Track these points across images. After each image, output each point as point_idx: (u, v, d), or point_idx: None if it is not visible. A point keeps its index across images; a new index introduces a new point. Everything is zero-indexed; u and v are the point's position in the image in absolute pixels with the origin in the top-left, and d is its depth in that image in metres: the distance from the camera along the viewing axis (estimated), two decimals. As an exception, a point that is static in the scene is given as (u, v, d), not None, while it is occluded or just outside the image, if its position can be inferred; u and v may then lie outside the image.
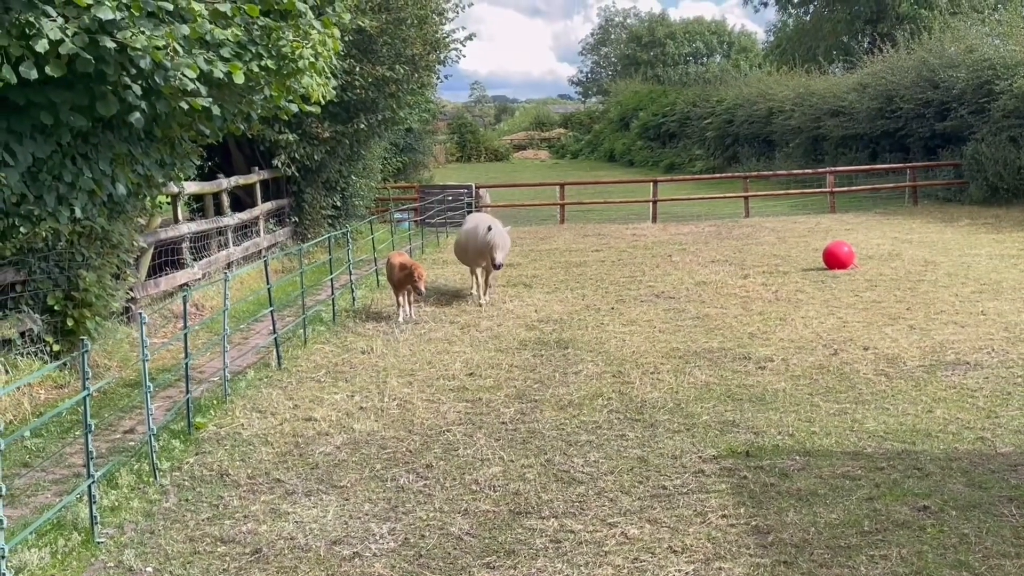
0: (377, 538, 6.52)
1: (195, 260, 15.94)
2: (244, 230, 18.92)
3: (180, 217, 15.71)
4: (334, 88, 12.06)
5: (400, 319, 13.98)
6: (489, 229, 14.80)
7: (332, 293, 14.59)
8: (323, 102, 10.86)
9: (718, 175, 36.39)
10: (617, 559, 6.00)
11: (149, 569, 6.16)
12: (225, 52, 9.16)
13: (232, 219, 17.89)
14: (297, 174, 20.81)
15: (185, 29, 8.38)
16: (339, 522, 6.82)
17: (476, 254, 15.25)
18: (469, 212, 28.05)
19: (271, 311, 11.72)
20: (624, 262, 19.50)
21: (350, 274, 15.99)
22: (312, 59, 9.90)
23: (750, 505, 6.77)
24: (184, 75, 8.42)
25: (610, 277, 17.52)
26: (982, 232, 21.91)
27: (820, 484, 7.10)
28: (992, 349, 11.02)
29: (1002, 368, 10.20)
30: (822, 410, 9.00)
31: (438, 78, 23.08)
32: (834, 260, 17.46)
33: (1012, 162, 26.04)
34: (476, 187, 29.29)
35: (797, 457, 7.71)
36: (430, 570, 6.02)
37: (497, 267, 14.82)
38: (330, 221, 22.67)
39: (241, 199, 19.55)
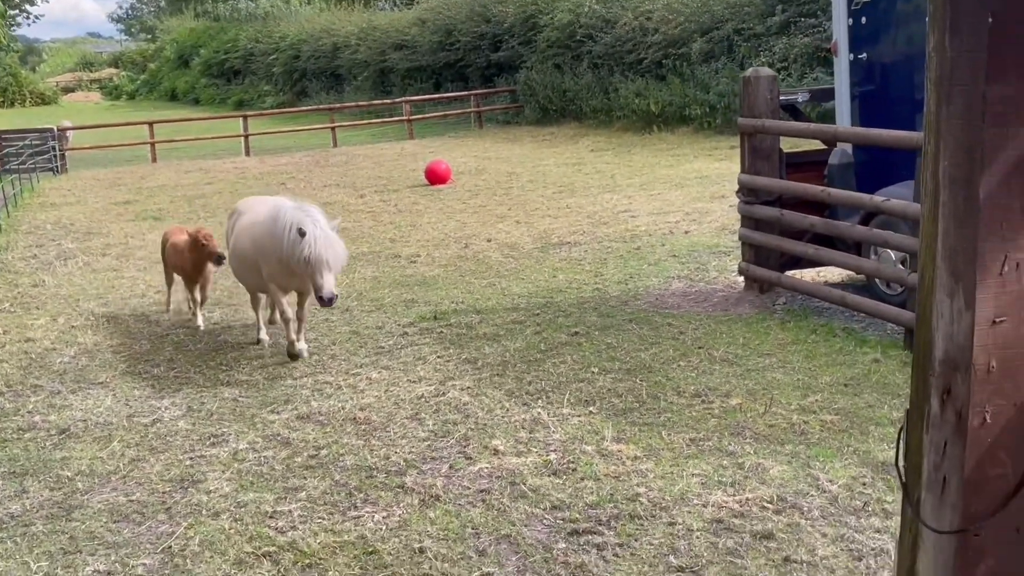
0: (164, 409, 7.72)
1: None
2: None
3: None
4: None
5: (174, 313, 10.81)
6: (302, 234, 7.98)
7: (-27, 236, 14.54)
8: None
9: (305, 108, 37.81)
10: (374, 391, 7.79)
11: (-30, 458, 6.96)
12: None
13: None
14: None
15: None
16: (120, 405, 7.90)
17: (280, 273, 8.49)
18: (54, 154, 27.33)
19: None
20: (242, 192, 20.56)
21: (-21, 218, 15.82)
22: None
23: (455, 347, 8.83)
24: None
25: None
26: (544, 147, 25.62)
27: (499, 329, 9.32)
28: (583, 231, 13.95)
29: (595, 243, 13.10)
30: (476, 285, 11.26)
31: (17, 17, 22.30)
32: (435, 176, 19.91)
33: (558, 86, 30.20)
34: (59, 129, 28.50)
35: (474, 315, 9.88)
36: (226, 420, 7.40)
37: (327, 302, 8.19)
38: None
39: None
